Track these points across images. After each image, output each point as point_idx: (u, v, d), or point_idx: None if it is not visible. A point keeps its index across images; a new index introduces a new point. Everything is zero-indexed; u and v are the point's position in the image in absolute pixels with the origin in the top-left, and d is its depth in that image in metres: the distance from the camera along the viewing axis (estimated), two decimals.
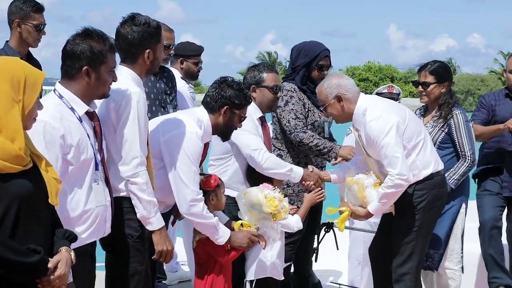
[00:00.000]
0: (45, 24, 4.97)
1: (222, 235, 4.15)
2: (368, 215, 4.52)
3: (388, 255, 4.65)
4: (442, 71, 5.18)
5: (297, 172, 4.75)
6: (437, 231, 4.95)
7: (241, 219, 4.43)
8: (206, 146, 4.26)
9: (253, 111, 4.73)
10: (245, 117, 4.32)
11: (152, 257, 3.84)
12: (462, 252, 5.19)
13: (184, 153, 3.99)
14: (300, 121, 5.11)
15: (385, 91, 6.40)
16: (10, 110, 2.62)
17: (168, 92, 5.60)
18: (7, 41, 4.97)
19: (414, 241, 4.55)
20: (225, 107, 4.18)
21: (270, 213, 4.29)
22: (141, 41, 3.75)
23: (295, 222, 4.67)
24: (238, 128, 4.34)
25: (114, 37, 3.72)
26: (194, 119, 4.14)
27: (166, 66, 5.68)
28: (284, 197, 4.44)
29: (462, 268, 5.21)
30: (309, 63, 5.23)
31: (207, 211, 4.07)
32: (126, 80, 3.70)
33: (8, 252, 2.54)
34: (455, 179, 5.03)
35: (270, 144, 5.00)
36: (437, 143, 5.04)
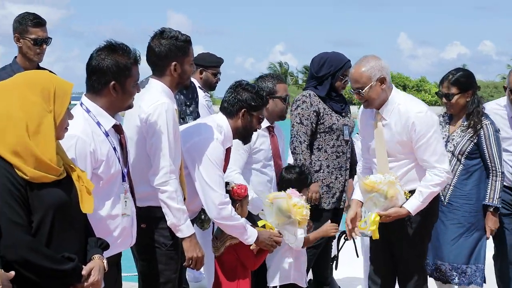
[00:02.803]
0: (47, 38, 4.90)
1: (251, 235, 4.21)
2: (408, 214, 4.36)
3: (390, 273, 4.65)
4: (465, 80, 5.02)
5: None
6: (466, 245, 4.92)
7: (261, 219, 4.51)
8: (228, 151, 4.31)
9: None
10: (263, 118, 4.38)
11: (183, 264, 3.90)
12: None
13: (207, 159, 4.05)
14: (303, 127, 5.24)
15: None
16: (43, 120, 2.70)
17: (188, 103, 5.68)
18: (15, 57, 4.98)
19: (422, 248, 4.57)
20: (242, 110, 4.24)
21: (298, 220, 4.36)
22: (168, 54, 3.83)
23: (298, 241, 4.58)
24: (258, 129, 4.40)
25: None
26: (214, 125, 4.21)
27: None
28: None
29: (484, 278, 5.12)
30: (334, 73, 5.37)
31: (235, 212, 4.14)
32: (156, 92, 3.79)
33: (44, 259, 2.62)
34: (497, 198, 4.91)
35: (278, 153, 5.09)
36: (465, 153, 4.94)
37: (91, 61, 3.40)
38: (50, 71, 4.51)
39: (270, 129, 5.08)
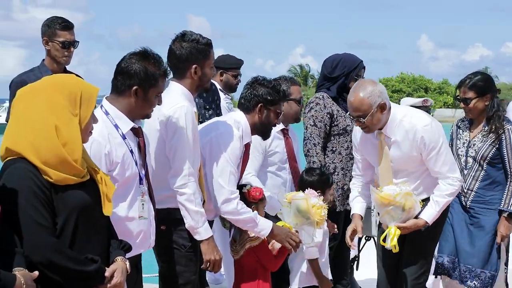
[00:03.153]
0: (75, 41, 5.01)
1: (263, 228, 4.16)
2: (425, 224, 4.35)
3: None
4: (483, 84, 4.92)
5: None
6: (478, 247, 4.86)
7: (280, 219, 4.52)
8: (248, 147, 4.32)
9: None
10: (281, 112, 4.36)
11: (201, 266, 3.92)
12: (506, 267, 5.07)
13: (221, 153, 4.06)
14: (316, 129, 5.24)
15: (421, 104, 6.52)
16: (69, 123, 2.74)
17: (207, 106, 5.70)
18: (43, 60, 5.09)
19: (430, 248, 4.60)
20: (259, 105, 4.24)
21: (316, 221, 4.38)
22: (188, 56, 3.86)
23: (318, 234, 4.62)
24: (276, 124, 4.40)
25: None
26: (231, 121, 4.22)
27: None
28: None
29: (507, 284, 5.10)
30: (347, 74, 5.37)
31: (243, 206, 4.09)
32: (176, 94, 3.82)
33: (68, 261, 2.66)
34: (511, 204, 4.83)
35: (293, 156, 5.09)
36: (487, 158, 4.85)
37: (122, 62, 3.46)
38: (77, 75, 4.60)
39: (284, 132, 5.08)
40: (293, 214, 4.41)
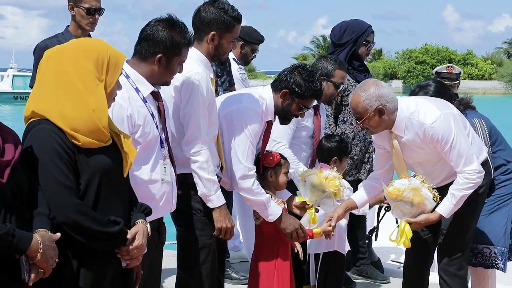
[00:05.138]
0: (100, 8, 5.01)
1: (272, 213, 4.17)
2: (439, 218, 4.22)
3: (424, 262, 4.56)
4: (435, 92, 4.73)
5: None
6: (493, 226, 4.82)
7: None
8: (270, 124, 4.32)
9: None
10: (306, 108, 4.28)
11: (213, 234, 3.94)
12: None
13: (241, 128, 4.06)
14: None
15: (445, 71, 6.41)
16: (96, 88, 2.77)
17: (219, 74, 5.72)
18: (67, 26, 5.10)
19: (469, 235, 4.44)
20: (284, 90, 4.21)
21: (332, 192, 4.39)
22: (210, 22, 3.84)
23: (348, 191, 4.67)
24: (299, 116, 4.34)
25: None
26: (256, 96, 4.21)
27: None
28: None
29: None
30: (356, 40, 5.35)
31: (258, 187, 4.09)
32: (191, 60, 3.78)
33: (92, 222, 2.71)
34: None
35: (319, 134, 5.07)
36: None
37: (147, 27, 3.46)
38: None
39: (315, 108, 5.04)
40: (309, 190, 4.43)
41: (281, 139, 4.70)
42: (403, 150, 4.23)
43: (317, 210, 4.50)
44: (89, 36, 5.06)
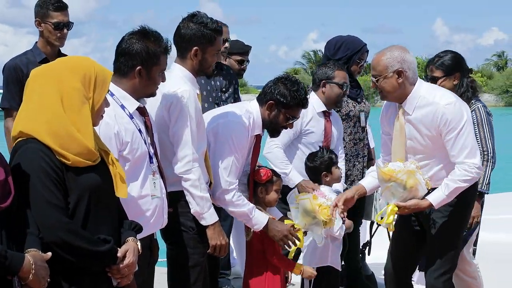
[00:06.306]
0: (69, 22, 4.90)
1: (257, 223, 4.13)
2: (429, 206, 4.09)
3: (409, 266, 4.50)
4: (451, 63, 4.77)
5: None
6: None
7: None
8: (259, 139, 4.30)
9: (316, 104, 5.01)
10: (293, 118, 4.26)
11: (207, 251, 3.91)
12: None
13: (227, 142, 4.04)
14: None
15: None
16: (82, 107, 2.76)
17: (224, 89, 5.64)
18: (36, 42, 5.00)
19: (458, 239, 4.32)
20: (270, 102, 4.18)
21: (323, 221, 4.35)
22: (191, 38, 3.82)
23: (340, 229, 4.68)
24: (288, 127, 4.31)
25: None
26: (243, 111, 4.19)
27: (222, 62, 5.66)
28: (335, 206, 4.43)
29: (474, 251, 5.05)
30: (350, 57, 5.35)
31: (239, 199, 4.06)
32: (177, 78, 3.78)
33: (81, 241, 2.68)
34: (486, 184, 4.71)
35: (328, 139, 5.06)
36: None
37: (122, 43, 3.46)
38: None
39: (326, 114, 5.06)
40: (301, 214, 4.40)
41: (276, 139, 4.70)
42: (403, 131, 4.16)
43: (305, 233, 4.47)
44: (59, 51, 4.98)
